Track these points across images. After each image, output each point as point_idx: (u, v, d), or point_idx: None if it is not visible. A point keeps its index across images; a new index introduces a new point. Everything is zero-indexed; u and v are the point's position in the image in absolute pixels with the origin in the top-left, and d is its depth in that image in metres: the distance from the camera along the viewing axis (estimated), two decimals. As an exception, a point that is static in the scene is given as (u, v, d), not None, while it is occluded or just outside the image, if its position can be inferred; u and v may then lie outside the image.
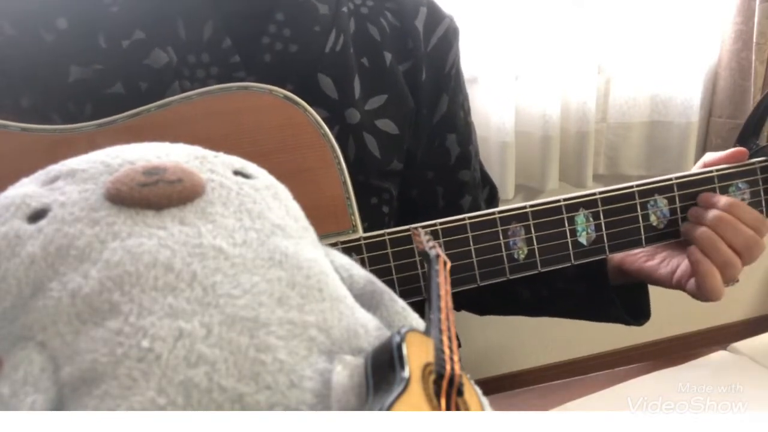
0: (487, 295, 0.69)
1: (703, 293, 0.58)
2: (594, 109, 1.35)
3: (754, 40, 1.36)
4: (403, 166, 0.67)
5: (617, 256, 0.64)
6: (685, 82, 1.39)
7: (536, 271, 0.56)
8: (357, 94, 0.62)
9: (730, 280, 0.58)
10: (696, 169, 0.62)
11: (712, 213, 0.57)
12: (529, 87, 1.33)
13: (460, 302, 0.74)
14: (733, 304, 1.83)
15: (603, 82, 1.40)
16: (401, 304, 0.32)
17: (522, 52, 1.30)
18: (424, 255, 0.34)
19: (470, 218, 0.54)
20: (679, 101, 1.40)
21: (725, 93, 1.44)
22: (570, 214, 0.56)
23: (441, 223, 0.53)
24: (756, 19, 1.35)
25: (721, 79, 1.44)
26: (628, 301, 0.67)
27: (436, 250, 0.33)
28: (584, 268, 0.60)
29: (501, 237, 0.55)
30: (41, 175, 0.30)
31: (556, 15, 1.28)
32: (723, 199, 0.57)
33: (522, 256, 0.55)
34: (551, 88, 1.32)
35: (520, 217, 0.55)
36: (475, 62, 1.27)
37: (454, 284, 0.54)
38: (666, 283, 0.62)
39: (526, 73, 1.32)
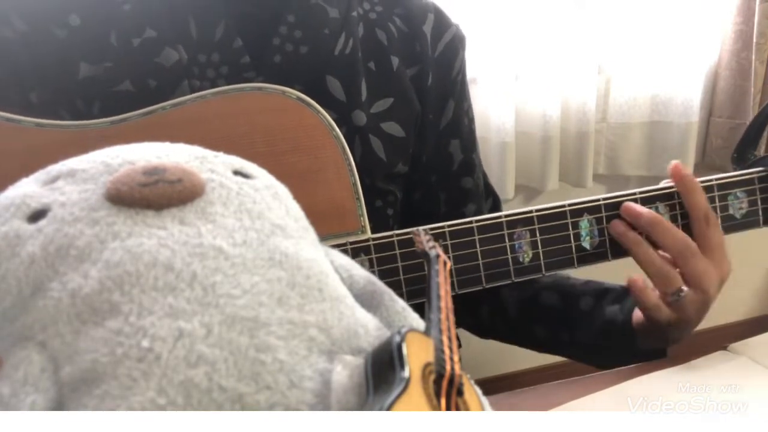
0: (499, 323, 0.70)
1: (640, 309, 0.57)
2: (594, 109, 1.35)
3: (754, 40, 1.36)
4: (409, 169, 0.67)
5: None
6: (685, 82, 1.39)
7: (540, 275, 0.57)
8: (363, 97, 0.62)
9: (669, 292, 0.55)
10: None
11: (644, 218, 0.56)
12: (529, 87, 1.33)
13: (466, 322, 0.74)
14: (733, 304, 1.83)
15: (603, 82, 1.40)
16: (401, 304, 0.32)
17: (522, 52, 1.30)
18: (425, 255, 0.34)
19: (477, 221, 0.55)
20: (679, 101, 1.40)
21: (725, 93, 1.44)
22: (574, 219, 0.57)
23: (449, 226, 0.54)
24: (756, 19, 1.35)
25: (721, 79, 1.44)
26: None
27: (436, 250, 0.33)
28: (609, 323, 0.60)
29: (507, 240, 0.56)
30: (41, 175, 0.30)
31: (556, 15, 1.28)
32: (645, 212, 0.56)
33: (527, 260, 0.56)
34: (551, 88, 1.31)
35: (525, 221, 0.56)
36: (475, 62, 1.27)
37: (460, 285, 0.55)
38: None
39: (526, 73, 1.32)
